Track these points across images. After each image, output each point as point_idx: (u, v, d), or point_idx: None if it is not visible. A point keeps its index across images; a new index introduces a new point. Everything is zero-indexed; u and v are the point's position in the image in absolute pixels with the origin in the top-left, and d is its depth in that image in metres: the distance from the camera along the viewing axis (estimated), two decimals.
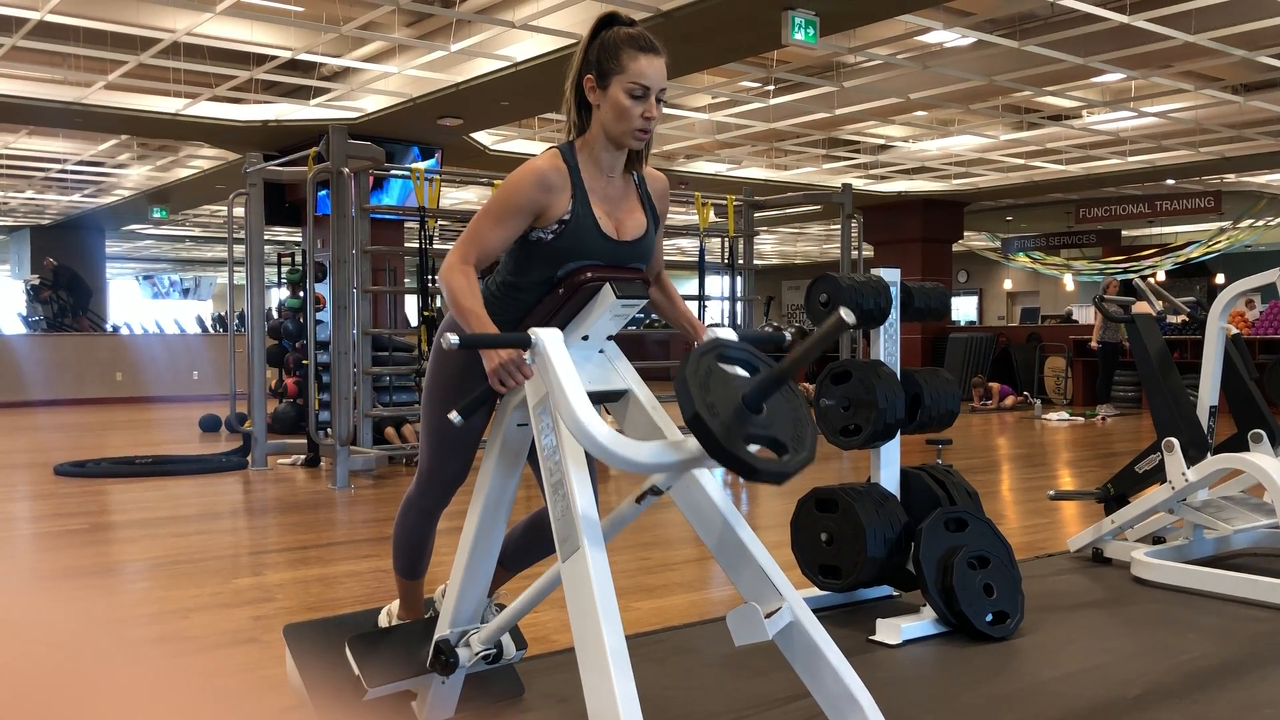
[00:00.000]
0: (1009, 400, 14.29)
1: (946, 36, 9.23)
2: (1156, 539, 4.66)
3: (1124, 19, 8.16)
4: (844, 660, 2.21)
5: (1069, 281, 23.19)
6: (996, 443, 10.29)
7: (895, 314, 3.79)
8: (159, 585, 4.30)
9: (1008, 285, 26.72)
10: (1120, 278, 15.54)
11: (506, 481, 2.52)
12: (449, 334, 2.03)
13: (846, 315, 1.88)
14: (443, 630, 2.60)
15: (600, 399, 2.36)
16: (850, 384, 3.68)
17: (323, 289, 8.69)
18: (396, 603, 2.83)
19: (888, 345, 3.81)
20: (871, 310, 3.69)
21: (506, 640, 2.65)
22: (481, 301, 2.25)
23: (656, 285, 2.59)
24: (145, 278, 32.73)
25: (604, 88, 2.23)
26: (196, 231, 23.42)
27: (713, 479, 2.32)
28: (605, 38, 2.25)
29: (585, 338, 2.33)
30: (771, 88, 11.03)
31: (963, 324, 21.86)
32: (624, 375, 2.38)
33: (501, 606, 2.84)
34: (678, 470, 2.10)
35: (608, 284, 2.27)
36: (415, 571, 2.72)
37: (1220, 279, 19.69)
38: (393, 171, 9.61)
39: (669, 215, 2.63)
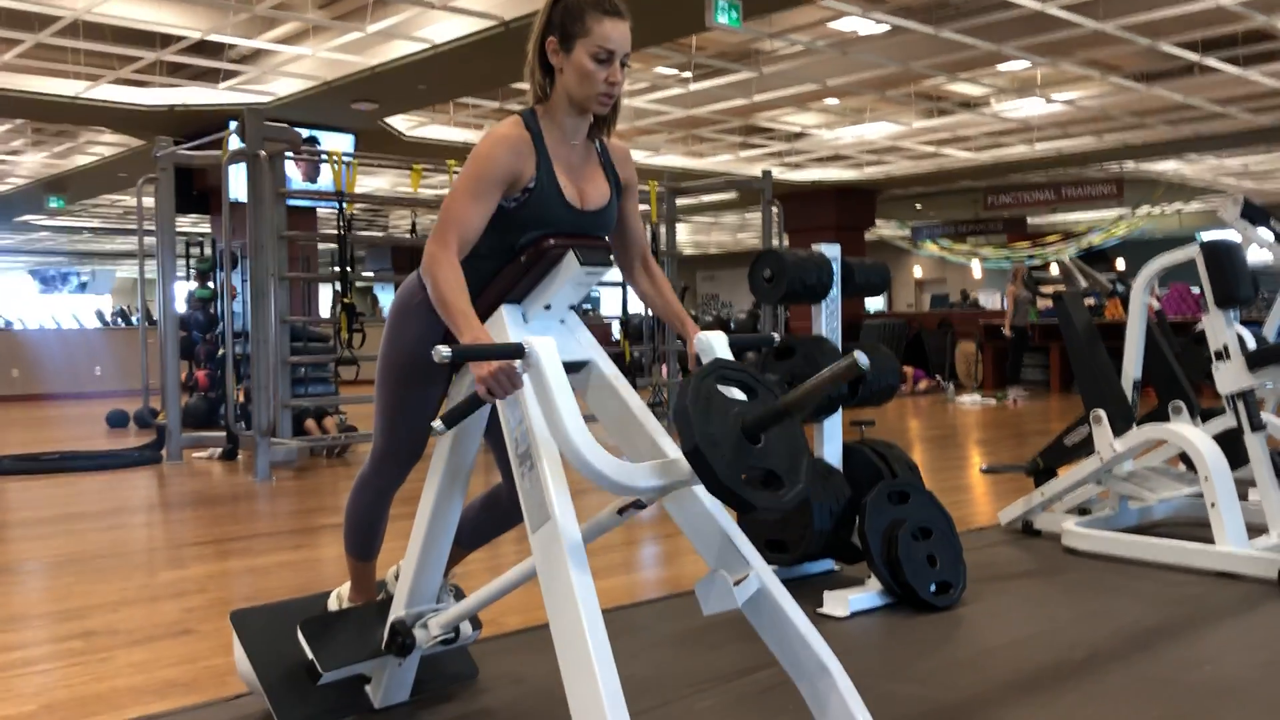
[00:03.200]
0: (922, 384, 14.57)
1: (862, 24, 9.34)
2: (1082, 510, 4.78)
3: (1037, 6, 8.35)
4: (812, 627, 2.20)
5: (976, 269, 23.73)
6: (912, 425, 10.47)
7: (836, 289, 3.81)
8: (81, 580, 4.12)
9: (917, 273, 27.25)
10: (1028, 263, 15.93)
11: (463, 457, 2.46)
12: (440, 347, 1.90)
13: (862, 360, 1.82)
14: (398, 611, 2.54)
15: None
16: (794, 360, 3.69)
17: (234, 278, 8.44)
18: (347, 585, 2.75)
19: (829, 321, 3.83)
20: (814, 285, 3.70)
21: (463, 621, 2.59)
22: (469, 298, 2.10)
23: (643, 271, 2.51)
24: (43, 281, 31.54)
25: (567, 51, 2.18)
26: (95, 222, 22.64)
27: (670, 442, 2.28)
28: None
29: (548, 307, 2.28)
30: (690, 74, 11.06)
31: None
32: (585, 345, 2.33)
33: (456, 587, 2.78)
34: (669, 490, 2.06)
35: (571, 251, 2.22)
36: (368, 552, 2.65)
37: (1121, 264, 20.33)
38: (319, 155, 9.36)
39: None
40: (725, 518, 2.22)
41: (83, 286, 33.03)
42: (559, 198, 2.23)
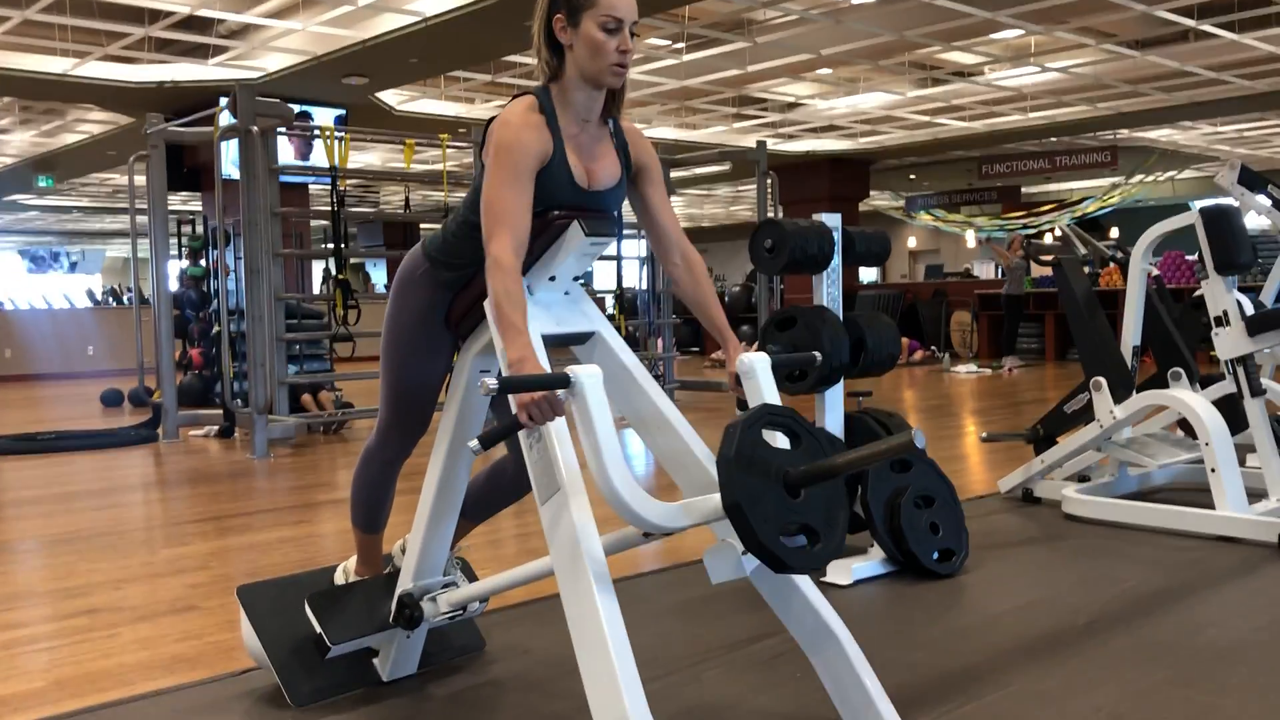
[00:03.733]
0: (917, 355, 14.58)
1: None
2: (1082, 477, 4.80)
3: None
4: (819, 594, 2.21)
5: (970, 238, 23.70)
6: (908, 395, 10.49)
7: (837, 259, 3.79)
8: (82, 558, 4.12)
9: (911, 243, 27.22)
10: (1023, 233, 15.93)
11: (468, 429, 2.45)
12: (487, 380, 1.86)
13: (919, 440, 1.80)
14: (405, 584, 2.54)
15: (567, 341, 2.31)
16: (795, 330, 3.68)
17: (227, 256, 8.40)
18: (353, 559, 2.75)
19: (830, 290, 3.81)
20: (815, 255, 3.68)
21: None
22: (526, 315, 2.02)
23: (684, 265, 2.37)
24: (33, 260, 31.43)
25: (575, 25, 2.14)
26: (85, 201, 22.49)
27: (677, 412, 2.27)
28: None
29: (552, 278, 2.26)
30: (683, 45, 10.99)
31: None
32: (590, 317, 2.32)
33: (463, 560, 2.79)
34: (697, 525, 2.06)
35: (575, 222, 2.21)
36: (375, 525, 2.65)
37: (1114, 233, 20.33)
38: (312, 130, 9.29)
39: None
40: None
41: (73, 266, 32.88)
42: (567, 178, 2.20)
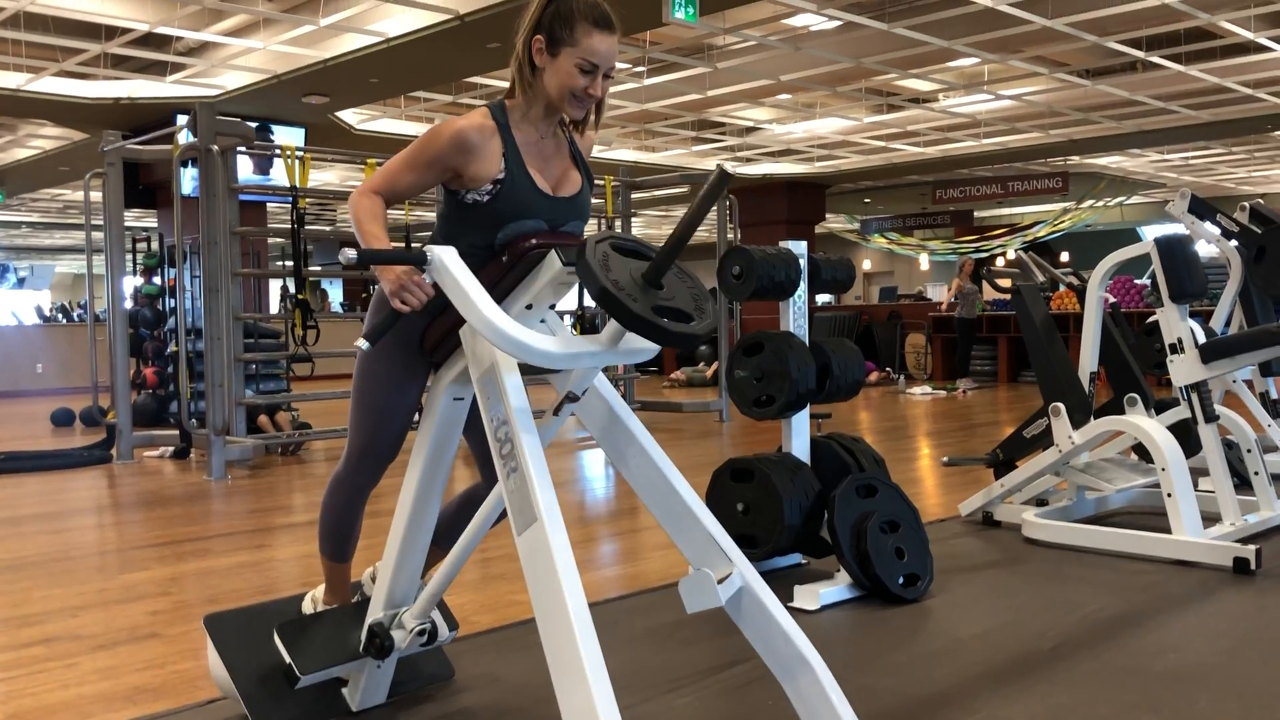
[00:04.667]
0: (873, 376, 14.68)
1: (815, 20, 9.39)
2: (1040, 501, 4.85)
3: (988, 2, 8.45)
4: (794, 623, 2.22)
5: (924, 261, 23.98)
6: (864, 417, 10.57)
7: (804, 286, 3.83)
8: (36, 585, 4.04)
9: (866, 266, 27.47)
10: (974, 256, 16.15)
11: (441, 456, 2.44)
12: (346, 249, 1.98)
13: (728, 166, 1.92)
14: (376, 613, 2.51)
15: (543, 369, 2.31)
16: (763, 355, 3.71)
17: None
18: (321, 588, 2.71)
19: (797, 317, 3.85)
20: (782, 282, 3.72)
21: (439, 620, 2.57)
22: (384, 226, 2.21)
23: None
24: None
25: (553, 55, 2.18)
26: (35, 217, 22.13)
27: (652, 441, 2.29)
28: (562, 1, 2.19)
29: (529, 306, 2.27)
30: (644, 69, 11.05)
31: (820, 305, 22.40)
32: None
33: None
34: (594, 363, 2.12)
35: (553, 251, 2.22)
36: (344, 554, 2.62)
37: (1065, 257, 20.66)
38: (273, 149, 9.21)
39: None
40: (708, 516, 2.22)
41: (20, 282, 32.28)
42: (532, 187, 2.26)
